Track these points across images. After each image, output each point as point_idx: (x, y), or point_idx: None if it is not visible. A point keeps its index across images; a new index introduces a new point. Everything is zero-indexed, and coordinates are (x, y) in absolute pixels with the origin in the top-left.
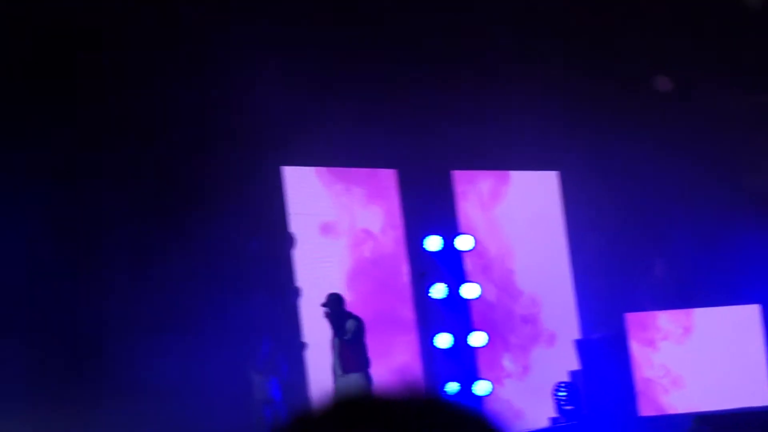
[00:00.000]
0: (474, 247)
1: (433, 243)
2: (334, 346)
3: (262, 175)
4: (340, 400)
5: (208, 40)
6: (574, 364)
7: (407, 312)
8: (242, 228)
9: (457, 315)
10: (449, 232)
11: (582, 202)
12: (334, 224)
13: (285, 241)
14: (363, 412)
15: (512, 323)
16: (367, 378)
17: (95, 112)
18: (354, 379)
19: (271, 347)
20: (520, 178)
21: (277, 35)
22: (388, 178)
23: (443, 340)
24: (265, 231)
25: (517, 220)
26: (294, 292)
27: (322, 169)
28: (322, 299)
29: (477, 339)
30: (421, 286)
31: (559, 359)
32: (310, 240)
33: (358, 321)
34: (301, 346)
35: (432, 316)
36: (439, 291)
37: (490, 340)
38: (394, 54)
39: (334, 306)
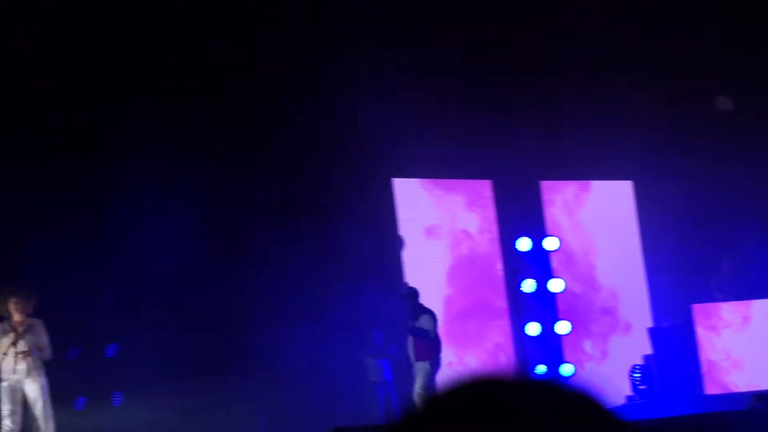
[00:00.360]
0: (559, 247)
1: (524, 244)
2: (407, 336)
3: (375, 186)
4: (467, 382)
5: (328, 65)
6: (648, 349)
7: (501, 303)
8: (360, 232)
9: (545, 306)
10: (538, 234)
11: (654, 207)
12: (436, 227)
13: (395, 242)
14: (496, 392)
15: (593, 314)
16: (435, 366)
17: (237, 137)
18: (423, 366)
19: (383, 335)
20: (599, 186)
21: (386, 60)
22: (484, 187)
23: (533, 329)
24: (378, 234)
25: (598, 223)
26: (404, 288)
27: (427, 181)
28: (403, 291)
29: (562, 327)
30: (513, 281)
31: (634, 345)
32: (416, 241)
33: (432, 315)
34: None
35: (523, 307)
36: (529, 285)
37: (573, 328)
38: (490, 78)
39: (411, 299)
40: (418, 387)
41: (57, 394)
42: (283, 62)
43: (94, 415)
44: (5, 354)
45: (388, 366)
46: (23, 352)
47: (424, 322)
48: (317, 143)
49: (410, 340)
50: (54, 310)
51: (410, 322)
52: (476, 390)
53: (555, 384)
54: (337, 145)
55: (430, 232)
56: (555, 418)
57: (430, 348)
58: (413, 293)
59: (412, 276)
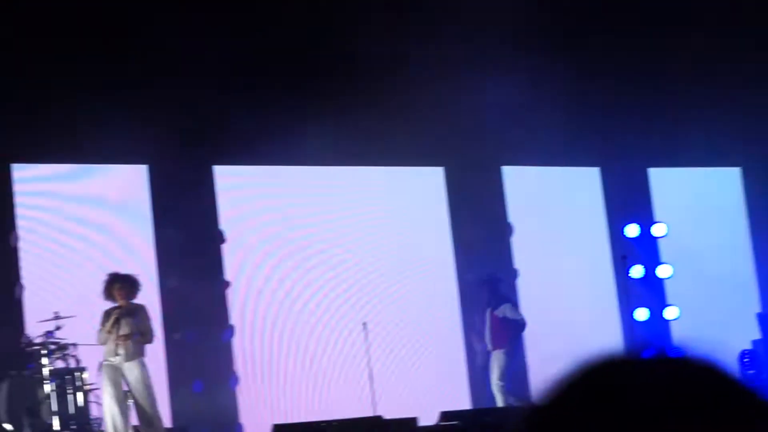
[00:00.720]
0: (667, 234)
1: (632, 230)
2: (485, 322)
3: (487, 174)
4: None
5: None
6: (756, 334)
7: (610, 289)
8: (472, 219)
9: (653, 292)
10: (646, 220)
11: (763, 193)
12: (544, 214)
13: (505, 230)
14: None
15: (700, 299)
16: (512, 355)
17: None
18: (500, 355)
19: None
20: (706, 173)
21: (509, 53)
22: (592, 174)
23: (641, 314)
24: (486, 224)
25: (704, 210)
26: (513, 274)
27: (537, 168)
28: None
29: (670, 313)
30: (622, 267)
31: (742, 330)
32: (526, 228)
33: (513, 303)
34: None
35: (632, 293)
36: (637, 271)
37: (681, 313)
38: (596, 64)
39: (492, 286)
40: (495, 377)
41: (175, 376)
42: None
43: (212, 398)
44: (109, 333)
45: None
46: (124, 336)
47: (506, 310)
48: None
49: (488, 327)
50: (172, 292)
51: (494, 309)
52: (609, 370)
53: (683, 359)
54: (453, 131)
55: (539, 218)
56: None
57: (510, 336)
58: (494, 280)
59: (519, 261)
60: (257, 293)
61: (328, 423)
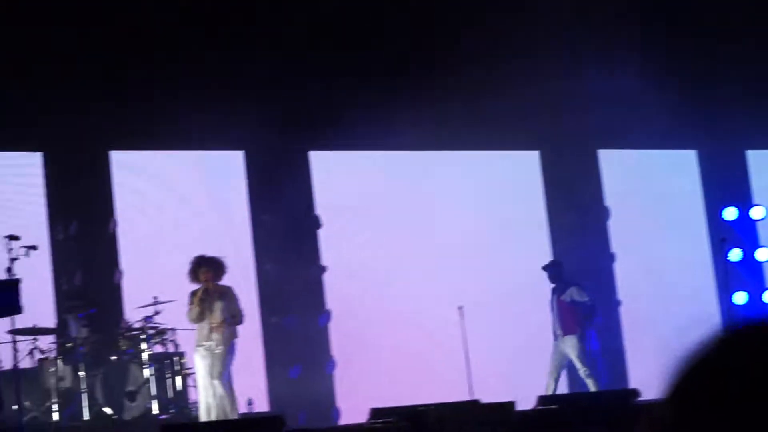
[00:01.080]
0: (766, 217)
1: (731, 213)
2: (552, 308)
3: (586, 160)
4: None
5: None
6: None
7: (708, 273)
8: (564, 204)
9: (752, 275)
10: (744, 203)
11: None
12: (639, 196)
13: (602, 214)
14: None
15: None
16: (584, 340)
17: None
18: (571, 340)
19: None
20: None
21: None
22: (689, 157)
23: (740, 297)
24: (583, 208)
25: None
26: (609, 257)
27: (632, 152)
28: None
29: None
30: (720, 250)
31: None
32: (623, 212)
33: (579, 286)
34: (617, 304)
35: (730, 277)
36: (736, 255)
37: None
38: (695, 48)
39: (554, 271)
40: (578, 364)
41: (273, 361)
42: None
43: (309, 382)
44: (200, 312)
45: (594, 336)
46: (217, 322)
47: (573, 293)
48: None
49: (555, 312)
50: (268, 277)
51: (561, 295)
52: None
53: None
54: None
55: (636, 201)
56: None
57: (580, 320)
58: (556, 264)
59: (616, 246)
60: (353, 278)
61: (426, 407)
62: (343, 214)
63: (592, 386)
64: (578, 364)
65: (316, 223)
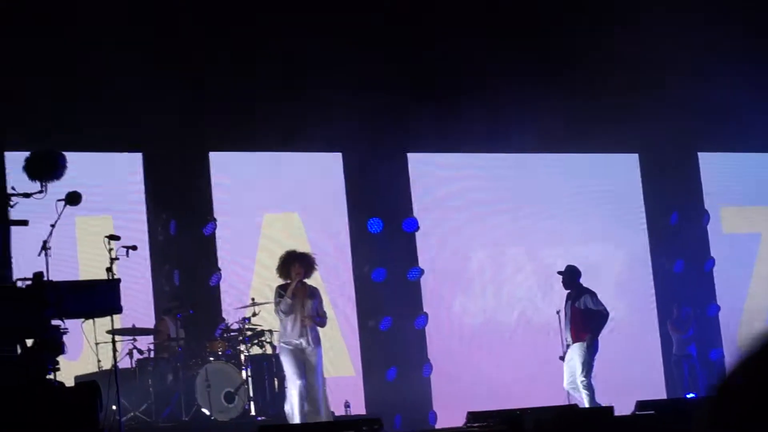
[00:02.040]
0: None
1: None
2: (566, 315)
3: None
4: None
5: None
6: None
7: None
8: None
9: None
10: None
11: None
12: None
13: (700, 217)
14: None
15: None
16: (590, 349)
17: None
18: (581, 348)
19: (687, 311)
20: None
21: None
22: None
23: None
24: (682, 210)
25: None
26: (711, 262)
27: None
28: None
29: None
30: None
31: None
32: (719, 214)
33: (592, 294)
34: (716, 309)
35: None
36: None
37: None
38: None
39: (569, 277)
40: (578, 372)
41: (369, 364)
42: None
43: (406, 385)
44: (290, 301)
45: (692, 341)
46: (310, 318)
47: (588, 301)
48: None
49: (567, 319)
50: (365, 279)
51: (574, 301)
52: None
53: None
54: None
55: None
56: None
57: (590, 329)
58: (571, 271)
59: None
60: (450, 280)
61: (523, 411)
62: (441, 216)
63: (585, 398)
64: (579, 373)
65: (412, 225)
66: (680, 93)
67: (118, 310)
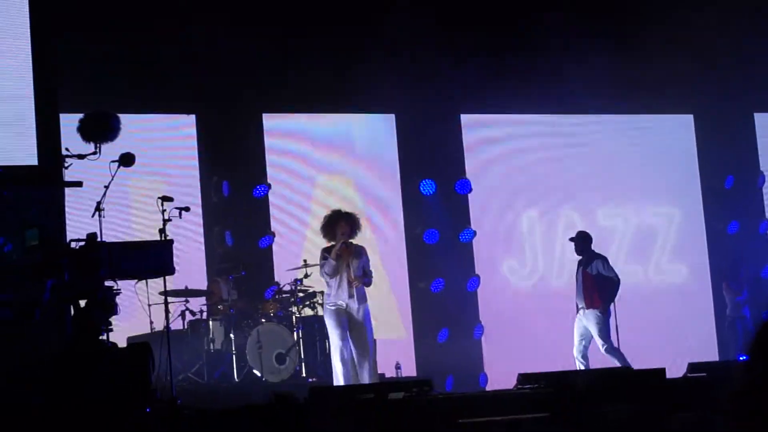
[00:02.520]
0: None
1: None
2: (577, 281)
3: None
4: None
5: None
6: None
7: None
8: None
9: None
10: None
11: None
12: None
13: (755, 178)
14: None
15: None
16: (605, 315)
17: None
18: (594, 314)
19: (742, 272)
20: None
21: None
22: None
23: None
24: (737, 173)
25: None
26: (764, 224)
27: None
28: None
29: None
30: None
31: None
32: None
33: (604, 260)
34: None
35: None
36: None
37: None
38: None
39: (581, 243)
40: (599, 340)
41: (420, 326)
42: None
43: (457, 347)
44: (335, 262)
45: (745, 301)
46: (354, 279)
47: (600, 267)
48: None
49: (579, 285)
50: (417, 241)
51: (586, 267)
52: None
53: None
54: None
55: None
56: None
57: (603, 295)
58: (582, 236)
59: None
60: (503, 242)
61: (575, 373)
62: (493, 178)
63: (617, 361)
64: (599, 341)
65: (465, 187)
66: (736, 54)
67: (171, 271)
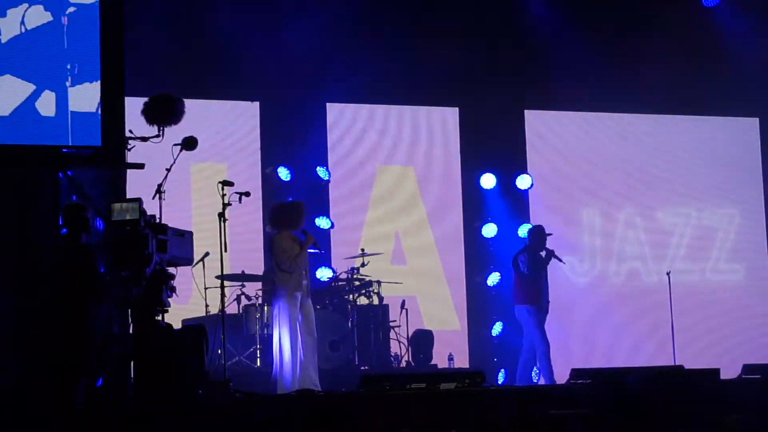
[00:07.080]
0: None
1: None
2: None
3: None
4: None
5: None
6: None
7: None
8: None
9: None
10: None
11: None
12: None
13: None
14: None
15: None
16: (541, 313)
17: None
18: (522, 310)
19: None
20: None
21: None
22: None
23: None
24: None
25: None
26: None
27: None
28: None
29: None
30: None
31: None
32: None
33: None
34: None
35: None
36: None
37: None
38: None
39: (532, 236)
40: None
41: (475, 319)
42: None
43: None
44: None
45: None
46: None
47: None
48: None
49: (516, 281)
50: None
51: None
52: None
53: None
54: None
55: None
56: None
57: (529, 293)
58: (536, 231)
59: None
60: (560, 238)
61: (628, 370)
62: (554, 174)
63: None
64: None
65: (526, 183)
66: None
67: (190, 261)
